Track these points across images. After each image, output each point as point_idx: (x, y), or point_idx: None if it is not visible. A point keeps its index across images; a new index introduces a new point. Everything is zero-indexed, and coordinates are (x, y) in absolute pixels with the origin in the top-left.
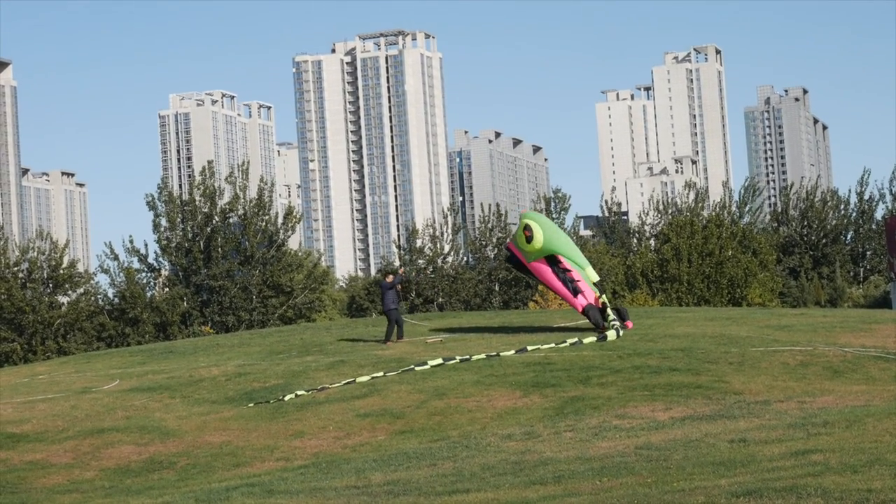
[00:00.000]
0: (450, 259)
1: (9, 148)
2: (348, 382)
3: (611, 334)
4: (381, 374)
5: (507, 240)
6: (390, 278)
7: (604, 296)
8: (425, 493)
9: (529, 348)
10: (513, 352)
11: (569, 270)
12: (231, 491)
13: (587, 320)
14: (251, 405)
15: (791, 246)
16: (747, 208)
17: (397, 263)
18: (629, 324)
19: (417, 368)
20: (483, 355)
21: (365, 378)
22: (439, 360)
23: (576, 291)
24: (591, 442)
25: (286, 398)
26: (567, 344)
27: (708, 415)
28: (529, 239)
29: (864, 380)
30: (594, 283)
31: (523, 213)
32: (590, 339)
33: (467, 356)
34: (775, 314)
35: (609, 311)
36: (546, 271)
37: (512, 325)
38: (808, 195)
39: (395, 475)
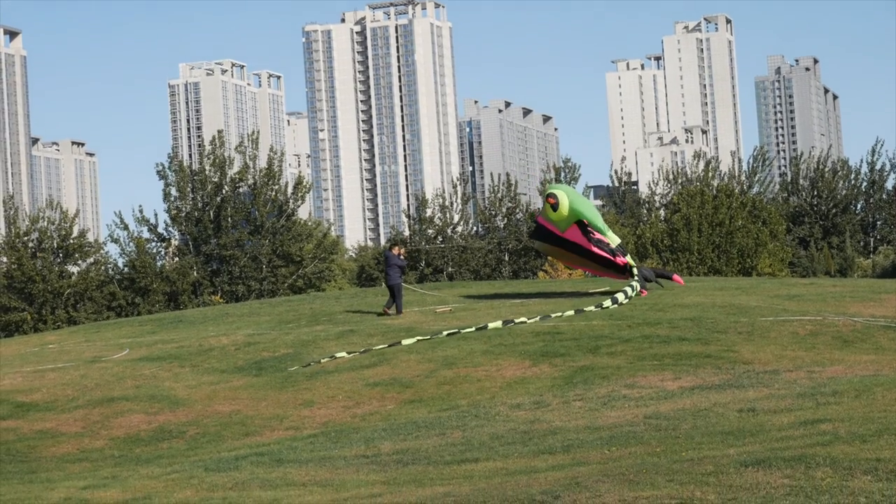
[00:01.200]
0: (459, 229)
1: (19, 118)
2: (428, 338)
3: (623, 294)
4: (455, 331)
5: (535, 215)
6: (396, 250)
7: (629, 257)
8: (434, 462)
9: (591, 308)
10: (593, 307)
11: (599, 238)
12: (240, 460)
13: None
14: (296, 367)
15: (801, 216)
16: (757, 178)
17: (407, 233)
18: (644, 292)
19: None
20: (561, 314)
21: (445, 334)
22: (522, 319)
23: (613, 253)
24: (600, 411)
25: (337, 355)
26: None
27: (717, 384)
28: (555, 207)
29: (873, 349)
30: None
31: (548, 185)
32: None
33: (559, 313)
34: (785, 284)
35: (635, 272)
36: (581, 238)
37: (522, 293)
38: (819, 165)
39: (404, 444)
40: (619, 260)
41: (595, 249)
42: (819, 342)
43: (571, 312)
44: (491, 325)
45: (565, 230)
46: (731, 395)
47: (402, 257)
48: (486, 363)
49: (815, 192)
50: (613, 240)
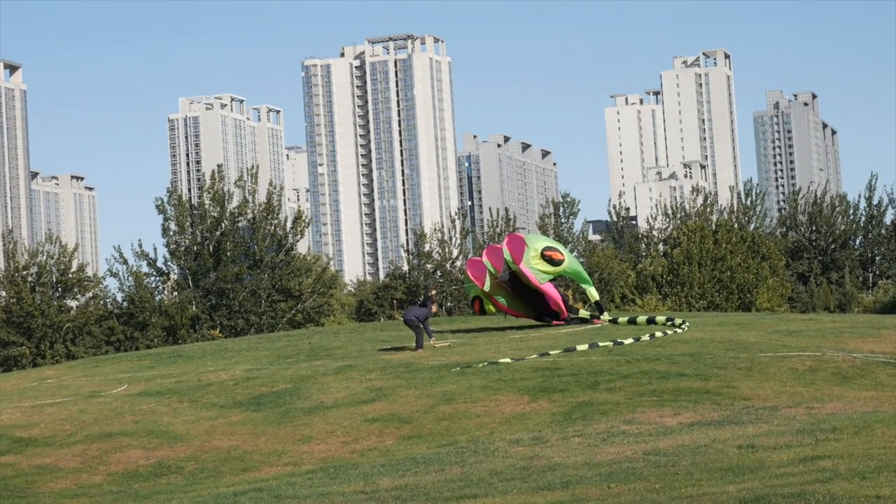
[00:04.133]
0: (458, 263)
1: (18, 152)
2: (542, 354)
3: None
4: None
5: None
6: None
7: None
8: (433, 498)
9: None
10: (630, 340)
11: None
12: (239, 496)
13: (566, 324)
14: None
15: (800, 251)
16: (752, 212)
17: (406, 267)
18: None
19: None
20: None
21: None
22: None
23: (567, 305)
24: (600, 447)
25: (481, 364)
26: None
27: (716, 420)
28: (558, 262)
29: (872, 386)
30: (595, 303)
31: (525, 236)
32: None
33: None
34: (784, 319)
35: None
36: (552, 291)
37: (522, 325)
38: (817, 200)
39: (403, 480)
40: (567, 313)
41: (557, 297)
42: (818, 378)
43: (610, 344)
44: (553, 353)
45: (544, 282)
46: (731, 432)
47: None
48: (484, 399)
49: (814, 228)
50: (594, 295)
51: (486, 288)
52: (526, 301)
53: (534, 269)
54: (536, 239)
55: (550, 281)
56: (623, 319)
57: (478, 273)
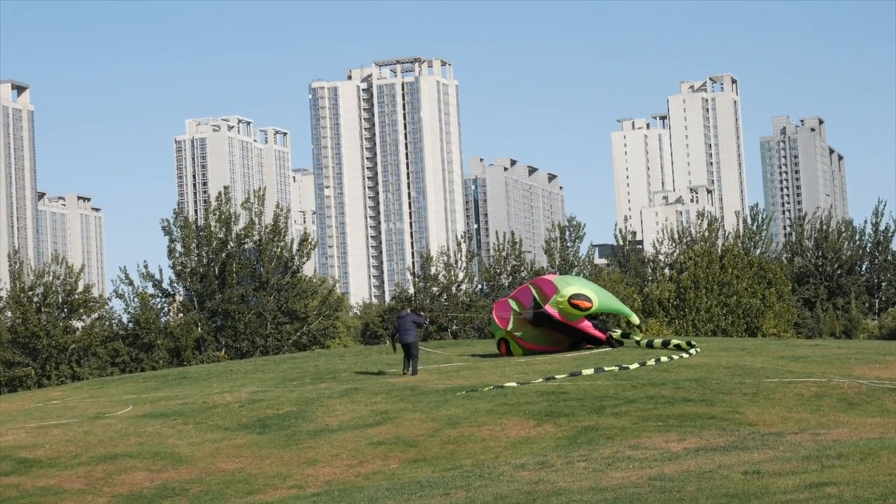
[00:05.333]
0: (464, 286)
1: (25, 172)
2: (548, 378)
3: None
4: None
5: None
6: (410, 309)
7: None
8: None
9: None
10: (636, 364)
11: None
12: None
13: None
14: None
15: (806, 276)
16: (758, 238)
17: (412, 290)
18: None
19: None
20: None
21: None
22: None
23: (605, 328)
24: (605, 472)
25: (486, 388)
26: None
27: (722, 446)
28: (586, 309)
29: (878, 412)
30: (636, 326)
31: (555, 279)
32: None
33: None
34: (790, 345)
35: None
36: (587, 327)
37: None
38: (823, 225)
39: None
40: (603, 335)
41: (588, 329)
42: (824, 404)
43: (616, 368)
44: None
45: (572, 320)
46: (736, 457)
47: (422, 314)
48: (490, 422)
49: (820, 253)
50: (636, 320)
51: (510, 327)
52: (556, 333)
53: (562, 311)
54: (566, 283)
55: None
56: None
57: (503, 314)
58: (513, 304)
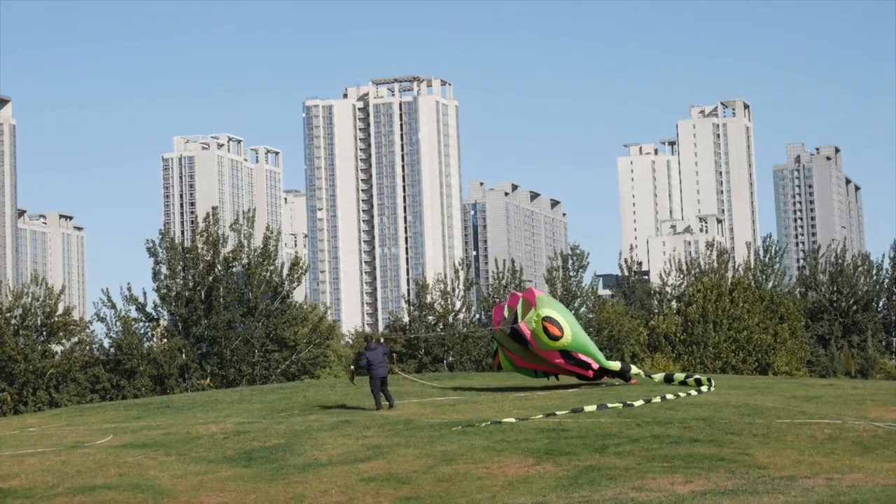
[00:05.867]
0: (461, 316)
1: (5, 188)
2: (548, 414)
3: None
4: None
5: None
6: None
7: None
8: None
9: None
10: (640, 401)
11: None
12: None
13: (598, 381)
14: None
15: (820, 312)
16: (770, 271)
17: (406, 319)
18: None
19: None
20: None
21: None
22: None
23: (586, 366)
24: None
25: (484, 424)
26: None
27: (730, 489)
28: (556, 338)
29: (895, 457)
30: (617, 371)
31: (540, 297)
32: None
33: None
34: (803, 384)
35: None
36: (555, 355)
37: (526, 386)
38: (838, 259)
39: None
40: (590, 373)
41: (563, 364)
42: (838, 447)
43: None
44: (587, 408)
45: (543, 350)
46: (745, 502)
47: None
48: (487, 460)
49: (835, 288)
50: (613, 367)
51: (499, 336)
52: (539, 358)
53: (532, 332)
54: (547, 304)
55: (554, 351)
56: (658, 376)
57: (499, 318)
58: (506, 311)
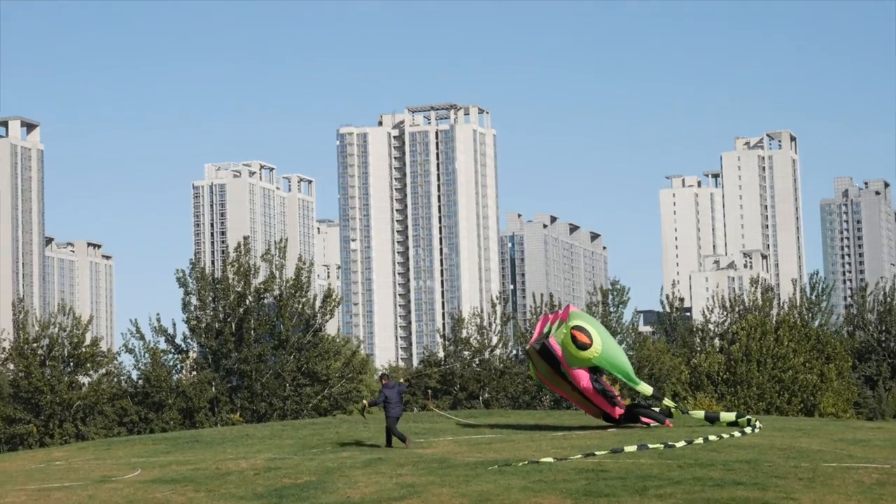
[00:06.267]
0: (497, 351)
1: (33, 215)
2: (587, 454)
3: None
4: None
5: (548, 334)
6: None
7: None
8: None
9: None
10: (682, 442)
11: (604, 388)
12: None
13: (616, 426)
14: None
15: (867, 352)
16: (816, 309)
17: (441, 354)
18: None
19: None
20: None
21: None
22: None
23: (613, 402)
24: None
25: (521, 463)
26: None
27: None
28: (584, 347)
29: None
30: (648, 397)
31: (572, 311)
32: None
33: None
34: (850, 427)
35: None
36: (584, 377)
37: (564, 426)
38: (887, 297)
39: None
40: (616, 411)
41: (594, 395)
42: (886, 493)
43: (661, 446)
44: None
45: (573, 367)
46: None
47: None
48: (524, 500)
49: (884, 327)
50: (646, 391)
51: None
52: (558, 377)
53: (562, 345)
54: (578, 317)
55: (588, 370)
56: (697, 414)
57: (540, 331)
58: (547, 327)
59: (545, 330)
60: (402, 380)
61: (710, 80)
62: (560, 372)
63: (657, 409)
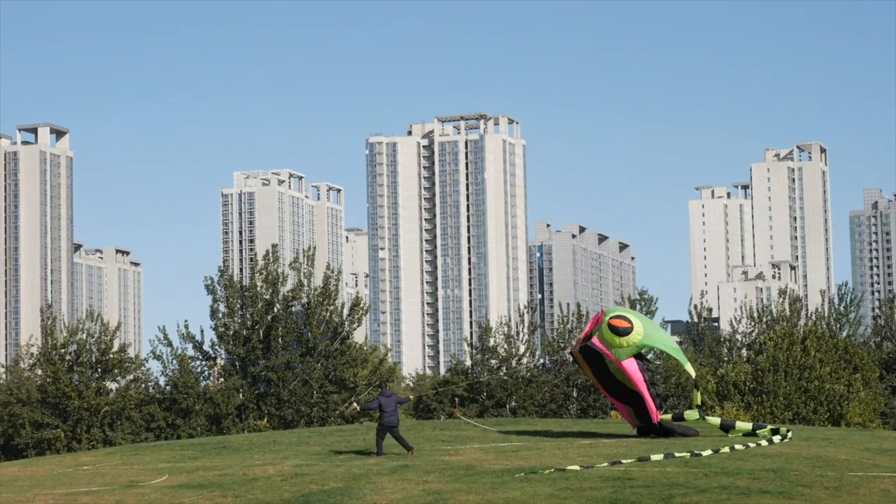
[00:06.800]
0: (525, 360)
1: (62, 221)
2: (614, 463)
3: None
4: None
5: (590, 338)
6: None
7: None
8: None
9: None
10: (709, 451)
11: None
12: None
13: (652, 433)
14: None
15: (895, 363)
16: (845, 320)
17: (469, 362)
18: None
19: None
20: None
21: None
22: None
23: (658, 405)
24: None
25: (547, 471)
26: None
27: None
28: (626, 331)
29: None
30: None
31: (605, 310)
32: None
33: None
34: (877, 437)
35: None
36: (634, 371)
37: (592, 432)
38: None
39: None
40: (656, 415)
41: (644, 389)
42: None
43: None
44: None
45: (623, 359)
46: None
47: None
48: None
49: None
50: (691, 371)
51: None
52: (609, 385)
53: (605, 342)
54: (614, 310)
55: (637, 359)
56: (714, 420)
57: (588, 330)
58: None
59: (589, 334)
60: (411, 396)
61: (741, 92)
62: (605, 373)
63: (685, 419)
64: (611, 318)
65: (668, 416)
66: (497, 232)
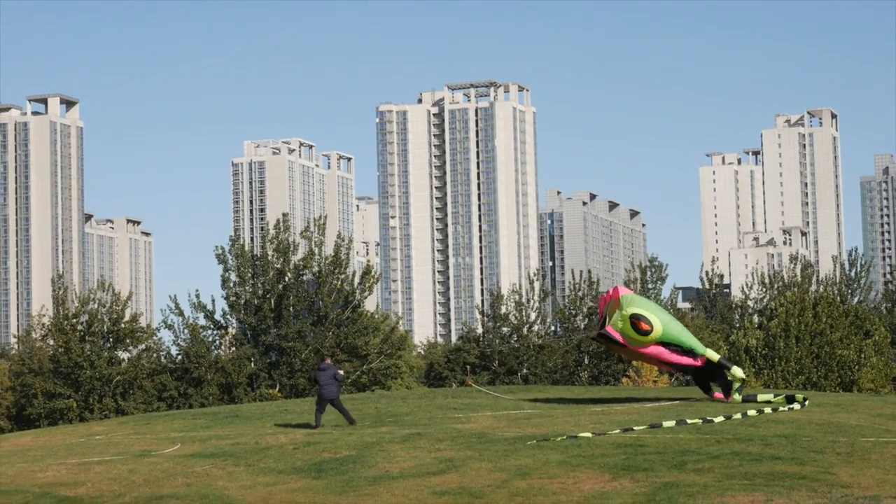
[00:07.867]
0: (536, 327)
1: (72, 192)
2: (626, 430)
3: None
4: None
5: (605, 324)
6: (330, 361)
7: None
8: None
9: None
10: (721, 417)
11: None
12: None
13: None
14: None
15: None
16: (855, 285)
17: (480, 330)
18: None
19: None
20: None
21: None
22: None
23: (695, 356)
24: None
25: (559, 438)
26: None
27: None
28: (646, 333)
29: None
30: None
31: (623, 295)
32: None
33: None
34: (888, 402)
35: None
36: (651, 352)
37: (603, 398)
38: None
39: None
40: (699, 361)
41: (668, 357)
42: None
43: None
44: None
45: (639, 347)
46: None
47: (340, 372)
48: (562, 475)
49: None
50: (713, 356)
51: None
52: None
53: (622, 332)
54: (631, 303)
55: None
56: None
57: (602, 307)
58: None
59: (603, 318)
60: (341, 371)
61: (751, 58)
62: (627, 350)
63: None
64: (631, 315)
65: (738, 398)
66: (507, 199)
